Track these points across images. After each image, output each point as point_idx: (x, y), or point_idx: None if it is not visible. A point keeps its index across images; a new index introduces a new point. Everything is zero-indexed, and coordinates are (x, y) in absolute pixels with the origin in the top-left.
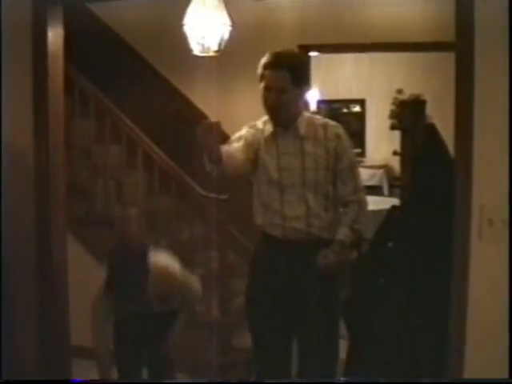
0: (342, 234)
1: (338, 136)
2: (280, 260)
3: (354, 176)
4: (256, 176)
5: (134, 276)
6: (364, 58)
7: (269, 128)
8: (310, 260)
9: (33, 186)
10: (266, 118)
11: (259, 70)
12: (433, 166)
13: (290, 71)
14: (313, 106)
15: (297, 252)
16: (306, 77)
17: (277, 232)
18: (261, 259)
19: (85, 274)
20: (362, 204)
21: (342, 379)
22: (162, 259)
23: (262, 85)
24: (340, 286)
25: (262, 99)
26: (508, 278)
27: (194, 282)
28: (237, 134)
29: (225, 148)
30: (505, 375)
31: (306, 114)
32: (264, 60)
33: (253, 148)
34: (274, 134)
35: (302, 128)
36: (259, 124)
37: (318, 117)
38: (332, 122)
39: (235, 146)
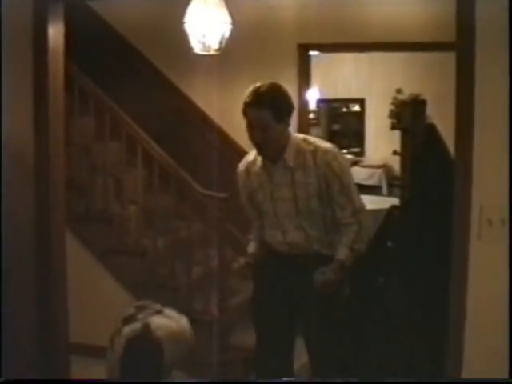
0: (342, 254)
1: (327, 163)
2: (284, 271)
3: (350, 199)
4: (256, 211)
5: None
6: (364, 57)
7: (259, 162)
8: (312, 272)
9: (32, 184)
10: (250, 154)
11: (242, 106)
12: (432, 165)
13: (270, 109)
14: (312, 105)
15: (299, 265)
16: (288, 110)
17: (282, 248)
18: (267, 273)
19: (84, 271)
20: (362, 225)
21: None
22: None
23: (246, 121)
24: (341, 293)
25: (247, 134)
26: (508, 278)
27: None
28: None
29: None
30: (504, 375)
31: (295, 141)
32: (245, 98)
33: (250, 191)
34: (264, 167)
35: (291, 159)
36: (250, 156)
37: (310, 140)
38: (323, 147)
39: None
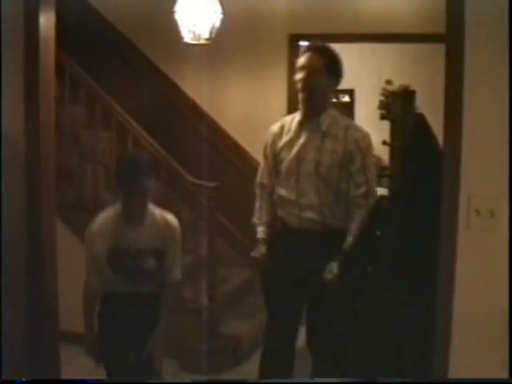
0: (347, 243)
1: (356, 140)
2: (296, 247)
3: (367, 180)
4: (276, 167)
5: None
6: (354, 48)
7: (297, 118)
8: (324, 248)
9: (23, 172)
10: (293, 114)
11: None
12: (421, 155)
13: (324, 57)
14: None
15: (311, 240)
16: (338, 70)
17: (293, 222)
18: (278, 245)
19: (74, 260)
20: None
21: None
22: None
23: (296, 74)
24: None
25: (296, 82)
26: (499, 268)
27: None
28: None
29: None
30: (493, 362)
31: (333, 112)
32: (302, 49)
33: (277, 147)
34: (299, 124)
35: (325, 124)
36: (288, 117)
37: (346, 118)
38: (356, 125)
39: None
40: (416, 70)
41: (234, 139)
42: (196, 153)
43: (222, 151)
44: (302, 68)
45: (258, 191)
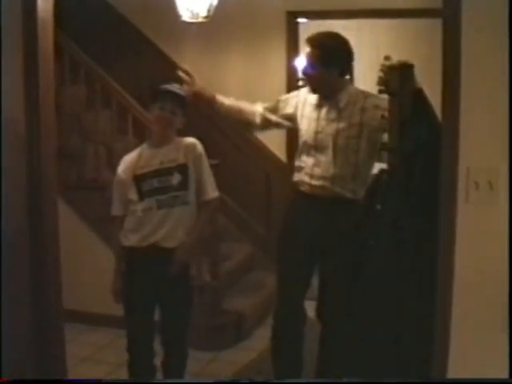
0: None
1: (376, 106)
2: (307, 211)
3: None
4: (299, 138)
5: None
6: (352, 24)
7: (313, 97)
8: (334, 214)
9: (24, 152)
10: (307, 89)
11: None
12: (420, 129)
13: (318, 49)
14: (301, 73)
15: (322, 206)
16: (339, 57)
17: (305, 189)
18: (292, 210)
19: (76, 239)
20: None
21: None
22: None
23: None
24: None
25: None
26: (499, 240)
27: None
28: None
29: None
30: (495, 335)
31: (351, 89)
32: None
33: (293, 107)
34: (316, 101)
35: (343, 101)
36: (302, 91)
37: (366, 91)
38: (375, 94)
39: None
40: (415, 45)
41: None
42: (196, 131)
43: (222, 129)
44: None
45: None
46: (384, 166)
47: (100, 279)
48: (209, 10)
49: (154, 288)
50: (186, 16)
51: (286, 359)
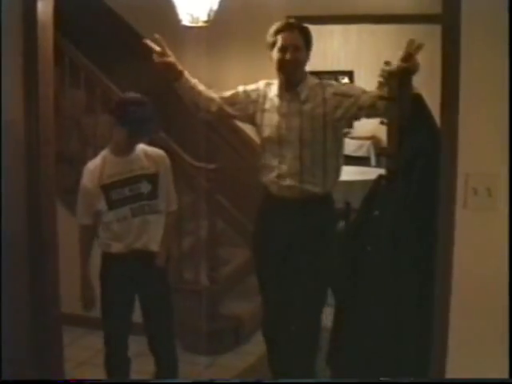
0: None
1: (335, 94)
2: (277, 215)
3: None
4: (260, 134)
5: None
6: (352, 29)
7: (273, 90)
8: (306, 215)
9: (23, 156)
10: (265, 80)
11: (270, 39)
12: (419, 135)
13: (301, 33)
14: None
15: (291, 208)
16: (312, 42)
17: (273, 190)
18: (262, 214)
19: (75, 243)
20: None
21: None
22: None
23: (274, 50)
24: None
25: (276, 62)
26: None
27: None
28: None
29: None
30: (494, 341)
31: (311, 80)
32: (275, 27)
33: (252, 102)
34: (278, 96)
35: (304, 93)
36: (261, 85)
37: (326, 81)
38: (332, 82)
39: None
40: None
41: (233, 120)
42: (195, 135)
43: (221, 133)
44: (283, 48)
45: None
46: (382, 171)
47: (97, 283)
48: (209, 15)
49: (134, 290)
50: (186, 20)
51: (281, 361)
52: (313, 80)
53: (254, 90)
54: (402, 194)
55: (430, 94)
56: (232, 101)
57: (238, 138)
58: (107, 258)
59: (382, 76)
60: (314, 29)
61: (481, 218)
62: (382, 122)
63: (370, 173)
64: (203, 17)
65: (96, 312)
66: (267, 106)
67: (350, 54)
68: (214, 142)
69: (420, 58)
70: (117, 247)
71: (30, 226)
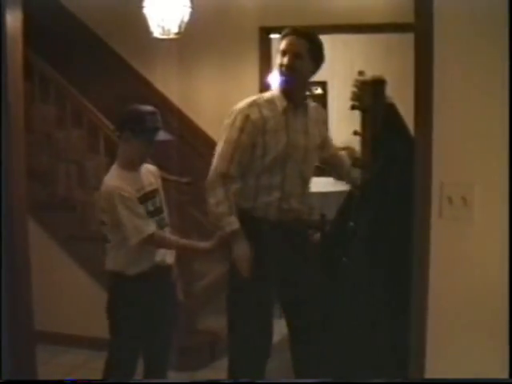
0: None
1: (324, 121)
2: (273, 242)
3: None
4: (259, 155)
5: None
6: (325, 40)
7: (281, 103)
8: (301, 241)
9: None
10: (268, 95)
11: (278, 45)
12: (392, 145)
13: (308, 40)
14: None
15: (291, 235)
16: (319, 54)
17: (272, 214)
18: (256, 244)
19: (47, 258)
20: None
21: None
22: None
23: (277, 58)
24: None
25: (277, 67)
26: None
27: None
28: (235, 133)
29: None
30: (470, 350)
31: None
32: (283, 32)
33: (256, 135)
34: (286, 110)
35: (309, 110)
36: (263, 102)
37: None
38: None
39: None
40: (388, 59)
41: (205, 133)
42: (168, 148)
43: (194, 146)
44: (283, 53)
45: (219, 180)
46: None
47: (71, 299)
48: (180, 27)
49: (150, 306)
50: (157, 32)
51: None
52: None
53: (257, 110)
54: (377, 205)
55: (405, 103)
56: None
57: (212, 151)
58: (122, 278)
59: (355, 86)
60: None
61: (456, 228)
62: (355, 133)
63: (345, 184)
64: (174, 29)
65: (70, 329)
66: (274, 122)
67: (323, 64)
68: (187, 155)
69: (394, 66)
70: (140, 265)
71: (1, 242)
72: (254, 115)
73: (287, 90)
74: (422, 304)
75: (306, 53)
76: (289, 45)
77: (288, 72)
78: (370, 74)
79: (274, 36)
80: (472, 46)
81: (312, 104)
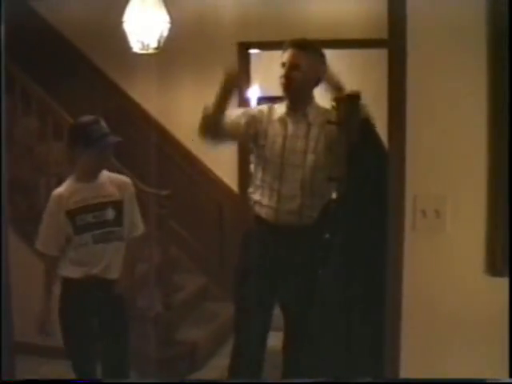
0: None
1: (331, 122)
2: (271, 243)
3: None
4: (259, 156)
5: None
6: None
7: (281, 110)
8: (299, 243)
9: None
10: (277, 104)
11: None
12: (367, 158)
13: (308, 52)
14: (253, 103)
15: (288, 235)
16: (320, 63)
17: (269, 215)
18: (251, 243)
19: (27, 272)
20: None
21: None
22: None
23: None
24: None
25: (280, 77)
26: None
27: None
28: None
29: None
30: (445, 364)
31: (317, 104)
32: (285, 44)
33: (254, 124)
34: (284, 117)
35: (311, 115)
36: (265, 107)
37: (326, 108)
38: (327, 108)
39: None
40: (364, 74)
41: (185, 147)
42: (147, 161)
43: (174, 159)
44: (283, 64)
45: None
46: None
47: (52, 311)
48: (159, 41)
49: (94, 316)
50: (136, 48)
51: None
52: (320, 107)
53: (259, 111)
54: (352, 217)
55: (381, 118)
56: (237, 123)
57: (191, 164)
58: (67, 283)
59: (331, 100)
60: (265, 55)
61: (429, 240)
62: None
63: None
64: (153, 44)
65: (49, 341)
66: (271, 127)
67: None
68: (166, 168)
69: (370, 81)
70: (76, 273)
71: None
72: (265, 111)
73: (286, 98)
74: (396, 316)
75: (305, 63)
76: (287, 57)
77: (287, 84)
78: (346, 88)
79: (253, 51)
80: (445, 61)
81: (325, 110)
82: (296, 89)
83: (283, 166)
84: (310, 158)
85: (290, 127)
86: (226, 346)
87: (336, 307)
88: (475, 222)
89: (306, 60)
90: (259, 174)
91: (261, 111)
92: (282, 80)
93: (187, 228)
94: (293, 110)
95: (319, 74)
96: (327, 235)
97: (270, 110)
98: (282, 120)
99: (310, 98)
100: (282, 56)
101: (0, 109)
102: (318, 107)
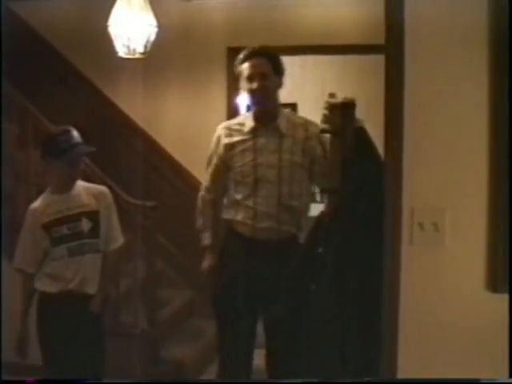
0: None
1: (318, 135)
2: (248, 258)
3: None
4: (231, 174)
5: None
6: (296, 60)
7: (249, 124)
8: (279, 258)
9: None
10: (240, 118)
11: (236, 69)
12: (362, 169)
13: (269, 59)
14: (242, 110)
15: (265, 250)
16: (282, 67)
17: (246, 231)
18: (229, 257)
19: (7, 283)
20: None
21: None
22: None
23: (242, 80)
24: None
25: (246, 92)
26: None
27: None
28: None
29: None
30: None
31: (286, 112)
32: (241, 56)
33: (226, 158)
34: (253, 131)
35: (283, 126)
36: (233, 124)
37: (298, 115)
38: (312, 121)
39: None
40: (359, 81)
41: (171, 156)
42: (132, 171)
43: (159, 169)
44: (250, 77)
45: (199, 197)
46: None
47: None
48: (146, 46)
49: (71, 331)
50: (122, 52)
51: None
52: (291, 114)
53: (225, 129)
54: (346, 230)
55: (377, 127)
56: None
57: (177, 174)
58: (43, 297)
59: (325, 108)
60: None
61: (427, 254)
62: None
63: (315, 209)
64: (140, 48)
65: (33, 359)
66: (241, 143)
67: (293, 85)
68: (152, 179)
69: (366, 88)
70: (52, 287)
71: None
72: (225, 139)
73: (259, 111)
74: (392, 331)
75: (271, 70)
76: (253, 67)
77: (260, 95)
78: (341, 95)
79: None
80: (444, 68)
81: (298, 121)
82: (269, 100)
83: (257, 182)
84: (286, 172)
85: (261, 141)
86: (212, 364)
87: (328, 324)
88: (475, 236)
89: (271, 68)
90: (232, 192)
91: (228, 129)
92: (256, 92)
93: (173, 241)
94: (263, 122)
95: (281, 76)
96: (320, 249)
97: (241, 126)
98: (252, 134)
99: (279, 107)
100: (242, 68)
101: None
102: (289, 117)
